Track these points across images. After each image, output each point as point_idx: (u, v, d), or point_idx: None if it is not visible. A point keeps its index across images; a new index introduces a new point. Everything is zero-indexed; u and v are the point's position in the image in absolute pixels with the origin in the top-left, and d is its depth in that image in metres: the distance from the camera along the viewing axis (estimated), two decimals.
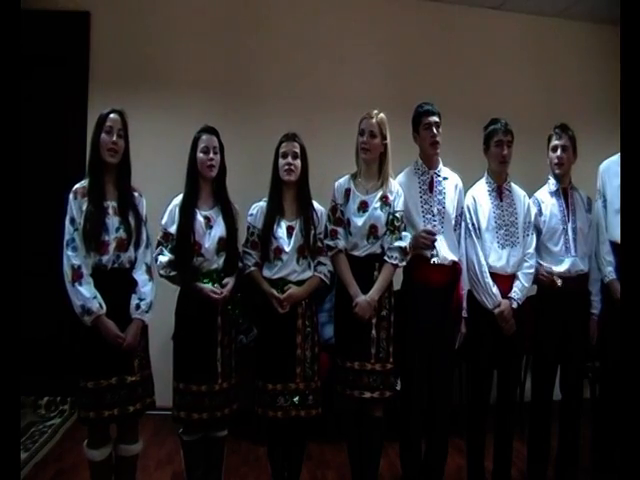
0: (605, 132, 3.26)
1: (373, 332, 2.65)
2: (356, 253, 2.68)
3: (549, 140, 2.99)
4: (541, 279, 2.90)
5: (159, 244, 2.58)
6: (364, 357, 2.64)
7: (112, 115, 2.40)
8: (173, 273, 2.55)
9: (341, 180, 2.77)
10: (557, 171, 2.97)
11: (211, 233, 2.58)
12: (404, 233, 2.69)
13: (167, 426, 3.37)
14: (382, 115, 2.71)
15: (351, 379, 2.64)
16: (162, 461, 3.24)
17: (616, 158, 3.10)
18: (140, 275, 2.44)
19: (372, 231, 2.66)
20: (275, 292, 2.60)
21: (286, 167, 2.63)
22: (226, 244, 2.60)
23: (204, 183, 2.62)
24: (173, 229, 2.56)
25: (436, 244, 2.72)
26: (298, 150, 2.65)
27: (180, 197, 2.61)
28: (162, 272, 2.56)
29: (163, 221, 2.60)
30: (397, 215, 2.69)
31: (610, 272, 2.96)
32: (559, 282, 2.86)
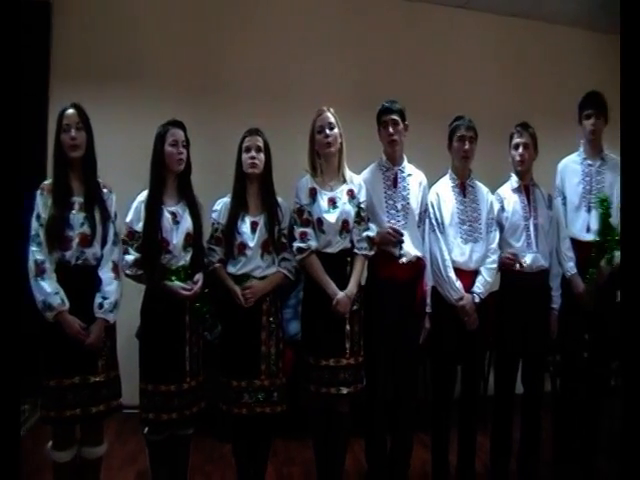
0: (563, 130, 3.32)
1: (347, 326, 2.66)
2: (329, 250, 2.68)
3: (511, 138, 3.03)
4: (505, 261, 2.93)
5: (124, 243, 2.53)
6: (339, 353, 2.64)
7: (68, 111, 2.39)
8: (140, 272, 2.50)
9: (302, 181, 2.75)
10: (519, 168, 3.01)
11: (178, 229, 2.55)
12: (370, 224, 2.72)
13: (130, 425, 3.32)
14: (332, 109, 2.73)
15: (327, 377, 2.63)
16: (126, 460, 3.19)
17: (574, 157, 3.19)
18: (105, 273, 2.40)
19: (344, 226, 2.67)
20: (238, 289, 2.58)
21: (250, 161, 2.62)
22: (193, 240, 2.58)
23: (170, 178, 2.59)
24: (139, 227, 2.51)
25: (403, 245, 2.74)
26: (262, 144, 2.65)
27: (145, 193, 2.57)
28: (129, 272, 2.51)
29: (128, 219, 2.55)
30: (362, 206, 2.72)
31: (571, 267, 3.03)
32: (523, 262, 2.90)
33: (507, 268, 2.95)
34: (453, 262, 2.84)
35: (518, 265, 2.91)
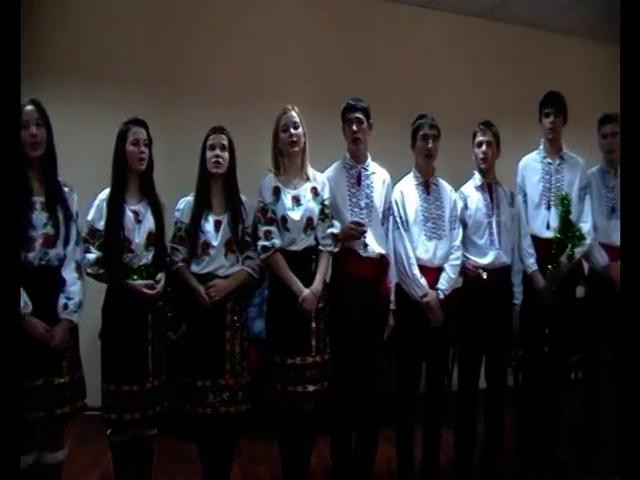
0: (525, 129, 3.38)
1: (313, 324, 2.66)
2: (294, 248, 2.68)
3: (474, 136, 3.06)
4: (467, 273, 2.98)
5: (85, 241, 2.49)
6: (305, 351, 2.64)
7: (27, 108, 2.31)
8: (102, 271, 2.47)
9: (266, 179, 2.74)
10: (482, 166, 3.04)
11: (140, 228, 2.52)
12: (334, 221, 2.74)
13: (93, 427, 3.27)
14: (297, 108, 2.73)
15: (293, 375, 2.63)
16: (89, 464, 3.14)
17: (534, 155, 3.25)
18: (69, 273, 2.36)
19: (308, 223, 2.67)
20: (202, 288, 2.57)
21: (214, 159, 2.60)
22: (155, 239, 2.56)
23: (132, 177, 2.55)
24: (101, 225, 2.48)
25: (366, 239, 2.76)
26: (226, 142, 2.64)
27: (107, 192, 2.53)
28: (90, 270, 2.47)
29: (89, 217, 2.51)
30: (326, 203, 2.73)
31: (532, 264, 3.09)
32: (484, 275, 2.95)
33: (468, 278, 3.00)
34: (417, 259, 2.86)
35: (478, 276, 2.95)
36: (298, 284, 2.62)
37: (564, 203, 3.04)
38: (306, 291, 2.61)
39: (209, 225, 2.62)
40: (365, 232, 2.75)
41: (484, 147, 3.01)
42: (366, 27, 4.43)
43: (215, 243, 2.60)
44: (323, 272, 2.69)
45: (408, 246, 2.86)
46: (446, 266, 2.91)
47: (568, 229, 3.03)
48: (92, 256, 2.47)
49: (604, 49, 5.13)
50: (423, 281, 2.83)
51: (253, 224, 2.71)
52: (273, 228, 2.66)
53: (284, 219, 2.66)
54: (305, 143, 2.72)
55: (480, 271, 2.95)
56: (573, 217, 3.06)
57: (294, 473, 2.76)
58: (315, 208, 2.69)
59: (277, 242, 2.64)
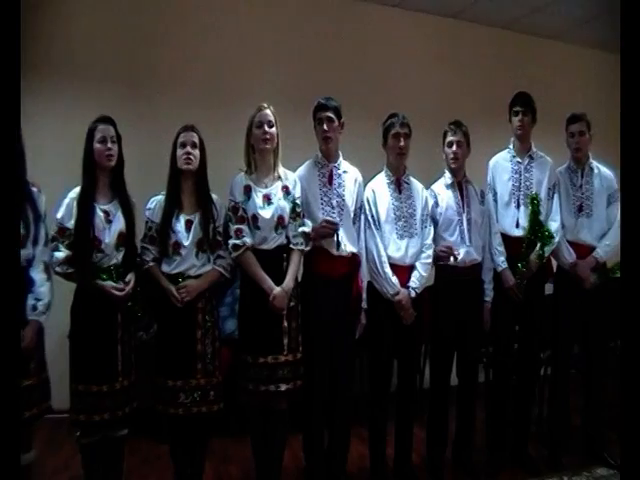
0: (494, 129, 3.42)
1: (284, 323, 2.65)
2: (265, 247, 2.67)
3: (444, 136, 3.09)
4: (440, 254, 2.98)
5: (54, 239, 2.46)
6: (277, 350, 2.63)
7: None
8: (70, 270, 2.44)
9: (237, 178, 2.74)
10: (452, 165, 3.07)
11: (111, 228, 2.50)
12: (305, 220, 2.73)
13: (62, 430, 3.22)
14: (272, 107, 2.73)
15: (266, 374, 2.62)
16: (59, 467, 3.09)
17: (504, 154, 3.29)
18: (37, 274, 2.34)
19: (279, 222, 2.66)
20: (173, 288, 2.55)
21: (184, 157, 2.59)
22: (125, 239, 2.54)
23: (102, 175, 2.53)
24: (70, 224, 2.45)
25: (339, 238, 2.76)
26: (197, 140, 2.63)
27: (77, 190, 2.51)
28: (58, 269, 2.44)
29: (59, 215, 2.48)
30: (297, 202, 2.73)
31: (502, 262, 3.12)
32: (457, 254, 2.96)
33: (442, 261, 3.00)
34: (389, 258, 2.87)
35: (452, 258, 2.97)
36: (269, 282, 2.61)
37: (534, 203, 3.08)
38: (277, 289, 2.60)
39: (180, 225, 2.61)
40: (338, 230, 2.76)
41: (454, 147, 3.04)
42: (338, 27, 4.44)
43: (186, 243, 2.59)
44: (294, 270, 2.69)
45: (380, 245, 2.87)
46: (417, 264, 2.92)
47: (537, 229, 3.07)
48: (61, 255, 2.44)
49: (574, 50, 5.25)
50: (395, 280, 2.84)
51: (224, 223, 2.70)
52: (244, 227, 2.65)
53: (255, 218, 2.65)
54: (278, 143, 2.72)
55: (453, 249, 2.96)
56: (542, 215, 3.10)
57: (267, 472, 2.75)
58: (286, 207, 2.69)
59: (248, 241, 2.64)
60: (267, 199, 2.68)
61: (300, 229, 2.70)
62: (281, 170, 2.75)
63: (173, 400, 2.55)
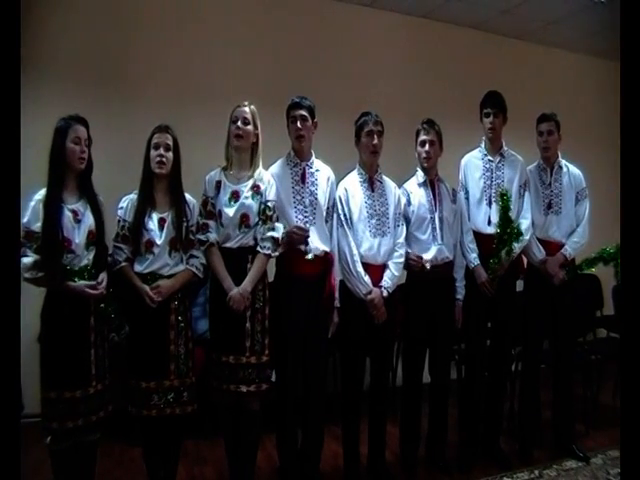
0: (466, 127, 3.45)
1: (247, 325, 2.63)
2: (228, 245, 2.65)
3: (417, 135, 3.11)
4: (411, 263, 3.01)
5: (21, 245, 2.35)
6: (239, 351, 2.62)
7: None
8: (40, 274, 2.35)
9: (212, 173, 2.73)
10: (425, 164, 3.09)
11: (80, 227, 2.44)
12: (276, 224, 2.69)
13: (30, 435, 3.13)
14: (253, 106, 2.73)
15: (227, 373, 2.62)
16: (27, 474, 2.97)
17: (475, 152, 3.32)
18: None
19: (243, 220, 2.64)
20: (147, 288, 2.52)
21: (158, 159, 2.56)
22: (95, 238, 2.49)
23: (70, 175, 2.46)
24: (37, 227, 2.36)
25: (309, 240, 2.76)
26: (171, 142, 2.60)
27: (42, 192, 2.42)
28: (27, 275, 2.34)
29: (24, 219, 2.37)
30: (269, 205, 2.69)
31: (474, 259, 3.16)
32: (428, 265, 2.99)
33: (412, 269, 3.03)
34: (361, 256, 2.88)
35: (422, 267, 2.99)
36: (228, 281, 2.60)
37: (503, 199, 3.11)
38: (234, 290, 2.58)
39: (153, 223, 2.57)
40: (308, 236, 2.75)
41: (427, 146, 3.06)
42: (310, 26, 4.42)
43: (159, 241, 2.56)
44: (255, 273, 2.63)
45: (352, 243, 2.87)
46: (390, 264, 2.93)
47: (507, 225, 3.10)
48: (29, 260, 2.34)
49: (540, 50, 5.32)
50: (367, 279, 2.85)
51: (197, 222, 2.68)
52: (211, 222, 2.65)
53: (220, 214, 2.65)
54: (256, 142, 2.71)
55: (424, 261, 2.99)
56: (513, 213, 3.13)
57: (241, 473, 2.74)
58: (253, 206, 2.66)
59: (212, 236, 2.63)
60: (235, 196, 2.66)
61: (269, 233, 2.66)
62: (258, 170, 2.73)
63: (146, 402, 2.53)
